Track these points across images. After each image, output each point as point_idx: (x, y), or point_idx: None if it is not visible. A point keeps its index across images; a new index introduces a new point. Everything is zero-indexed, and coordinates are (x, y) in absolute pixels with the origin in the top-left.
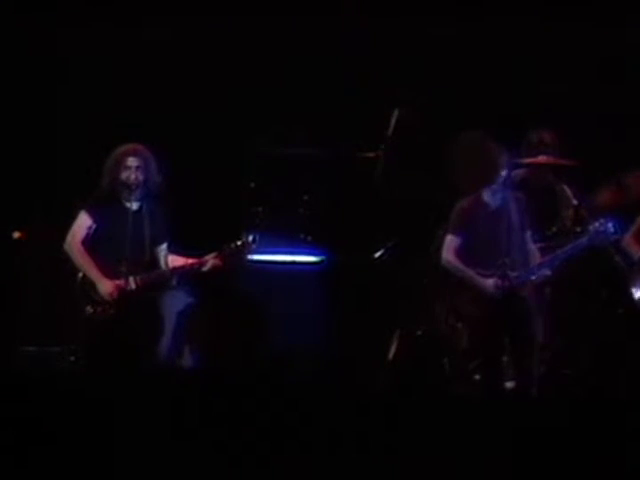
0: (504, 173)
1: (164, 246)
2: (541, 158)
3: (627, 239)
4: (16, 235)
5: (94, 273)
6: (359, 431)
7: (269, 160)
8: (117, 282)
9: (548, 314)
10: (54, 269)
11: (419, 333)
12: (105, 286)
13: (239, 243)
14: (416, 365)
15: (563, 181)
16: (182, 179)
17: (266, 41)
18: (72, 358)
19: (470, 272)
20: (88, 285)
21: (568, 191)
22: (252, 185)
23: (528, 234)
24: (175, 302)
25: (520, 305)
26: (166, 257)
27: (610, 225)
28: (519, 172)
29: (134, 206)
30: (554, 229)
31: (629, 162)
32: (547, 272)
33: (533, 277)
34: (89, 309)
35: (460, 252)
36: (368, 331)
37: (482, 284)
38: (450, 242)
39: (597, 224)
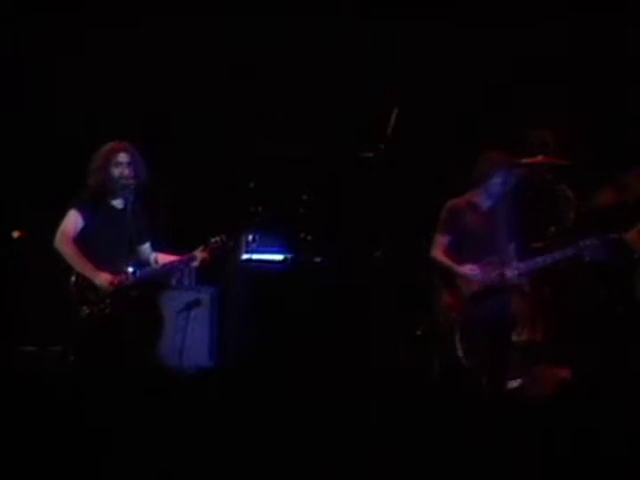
0: (498, 179)
1: (147, 245)
2: (540, 158)
3: (632, 234)
4: (16, 235)
5: (89, 268)
6: (359, 431)
7: (269, 160)
8: (113, 274)
9: (548, 314)
10: (54, 269)
11: (419, 333)
12: (103, 277)
13: (224, 237)
14: (416, 365)
15: (563, 181)
16: (182, 179)
17: (266, 41)
18: (72, 358)
19: (456, 267)
20: (83, 286)
21: (568, 191)
22: (252, 185)
23: (512, 246)
24: (174, 302)
25: (501, 305)
26: (154, 256)
27: (602, 246)
28: (518, 172)
29: (119, 205)
30: (553, 229)
31: (629, 162)
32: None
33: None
34: (85, 309)
35: (449, 250)
36: (368, 331)
37: (460, 271)
38: (438, 240)
39: (588, 241)
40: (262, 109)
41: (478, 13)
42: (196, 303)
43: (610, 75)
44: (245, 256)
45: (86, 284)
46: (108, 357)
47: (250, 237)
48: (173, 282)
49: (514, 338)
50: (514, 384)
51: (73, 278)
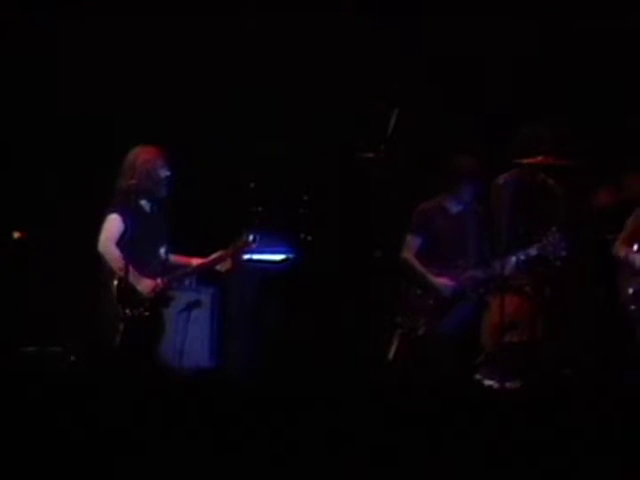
0: (469, 185)
1: (166, 247)
2: (540, 158)
3: (616, 246)
4: (16, 235)
5: (132, 274)
6: (359, 431)
7: (269, 160)
8: (154, 280)
9: (548, 313)
10: (54, 269)
11: (419, 333)
12: (145, 284)
13: (243, 240)
14: (416, 365)
15: (559, 180)
16: (182, 179)
17: (266, 40)
18: (72, 358)
19: (423, 270)
20: (125, 289)
21: (564, 191)
22: (252, 185)
23: (486, 244)
24: (174, 302)
25: (464, 307)
26: (172, 258)
27: (563, 242)
28: (513, 172)
29: (147, 207)
30: (554, 229)
31: (629, 162)
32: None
33: (482, 275)
34: (127, 312)
35: (419, 252)
36: (368, 331)
37: (433, 282)
38: (410, 242)
39: (551, 237)
40: (262, 109)
41: (478, 8)
42: (196, 304)
43: (611, 73)
44: (246, 256)
45: (128, 287)
46: (145, 357)
47: (250, 237)
48: (177, 284)
49: (514, 338)
50: (514, 385)
51: (115, 282)
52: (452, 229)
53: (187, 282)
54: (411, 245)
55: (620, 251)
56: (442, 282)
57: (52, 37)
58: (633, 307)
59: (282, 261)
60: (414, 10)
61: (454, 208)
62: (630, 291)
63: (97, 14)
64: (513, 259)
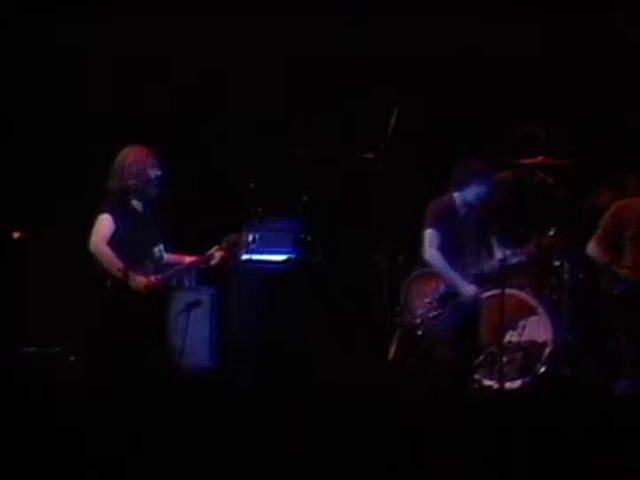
0: (475, 188)
1: (161, 246)
2: (540, 159)
3: (591, 245)
4: (16, 235)
5: (125, 271)
6: (358, 431)
7: (269, 160)
8: (147, 277)
9: (548, 314)
10: (54, 269)
11: (419, 333)
12: (138, 280)
13: (236, 235)
14: (416, 365)
15: (559, 180)
16: (182, 179)
17: (266, 41)
18: (72, 358)
19: (452, 273)
20: (119, 289)
21: (564, 191)
22: (252, 185)
23: (492, 239)
24: (175, 302)
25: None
26: (167, 257)
27: (558, 247)
28: (512, 171)
29: (139, 207)
30: (553, 229)
31: (629, 162)
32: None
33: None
34: (123, 312)
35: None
36: (368, 331)
37: (462, 287)
38: (431, 236)
39: (545, 241)
40: (262, 109)
41: (478, 8)
42: (196, 304)
43: (611, 73)
44: (245, 257)
45: (122, 286)
46: (142, 356)
47: (250, 237)
48: (174, 283)
49: (514, 338)
50: (514, 385)
51: (109, 282)
52: (458, 229)
53: (187, 282)
54: (433, 240)
55: (600, 254)
56: (469, 289)
57: (52, 37)
58: (616, 307)
59: (285, 261)
60: (414, 10)
61: (462, 209)
62: (615, 292)
63: (97, 14)
64: (513, 259)
